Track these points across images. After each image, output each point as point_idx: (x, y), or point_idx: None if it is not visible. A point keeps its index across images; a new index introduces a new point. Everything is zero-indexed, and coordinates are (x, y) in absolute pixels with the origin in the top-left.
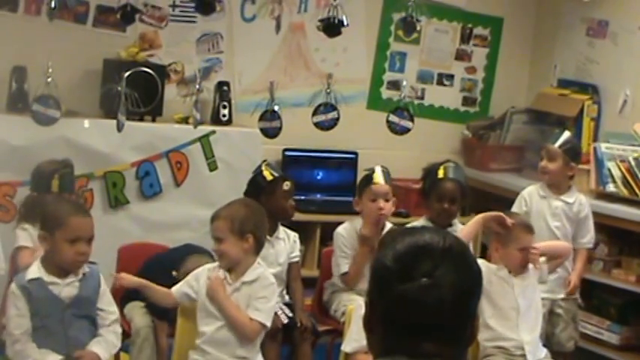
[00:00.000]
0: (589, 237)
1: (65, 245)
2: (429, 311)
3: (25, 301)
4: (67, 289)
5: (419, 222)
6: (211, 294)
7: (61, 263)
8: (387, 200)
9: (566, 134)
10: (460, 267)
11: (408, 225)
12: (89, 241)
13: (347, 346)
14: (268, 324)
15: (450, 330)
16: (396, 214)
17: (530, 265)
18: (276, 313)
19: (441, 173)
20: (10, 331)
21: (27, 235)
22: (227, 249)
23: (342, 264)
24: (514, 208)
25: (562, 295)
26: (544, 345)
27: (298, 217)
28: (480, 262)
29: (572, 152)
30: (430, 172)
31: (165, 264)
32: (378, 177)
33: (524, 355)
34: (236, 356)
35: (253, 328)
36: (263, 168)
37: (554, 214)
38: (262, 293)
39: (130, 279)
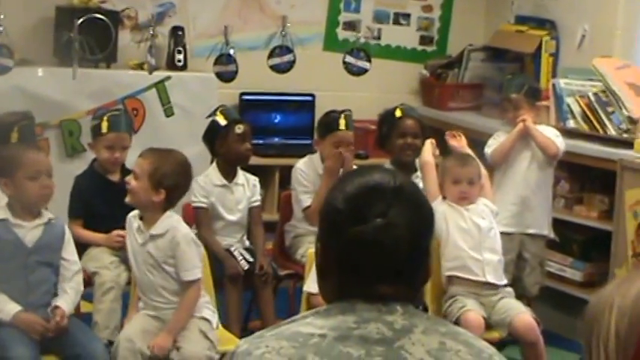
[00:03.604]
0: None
1: (28, 183)
2: (385, 252)
3: None
4: (31, 232)
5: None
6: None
7: (28, 202)
8: (348, 145)
9: (521, 78)
10: (413, 206)
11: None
12: (49, 176)
13: (309, 287)
14: (201, 274)
15: (406, 270)
16: (355, 156)
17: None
18: (236, 259)
19: (398, 113)
20: None
21: None
22: (137, 189)
23: (303, 199)
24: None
25: (532, 231)
26: (510, 285)
27: (257, 160)
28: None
29: (533, 93)
30: (386, 115)
31: None
32: (343, 124)
33: (487, 283)
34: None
35: (195, 292)
36: (217, 112)
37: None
38: (180, 249)
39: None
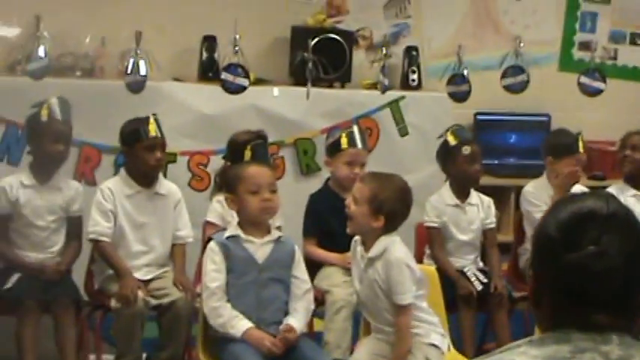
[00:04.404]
0: None
1: (249, 197)
2: (599, 280)
3: (223, 256)
4: (262, 249)
5: (614, 186)
6: None
7: (250, 216)
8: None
9: None
10: (627, 232)
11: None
12: (272, 191)
13: None
14: (412, 299)
15: (621, 299)
16: (591, 177)
17: None
18: (469, 279)
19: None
20: (206, 284)
21: (218, 211)
22: (357, 214)
23: (532, 209)
24: None
25: None
26: None
27: (492, 181)
28: None
29: None
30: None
31: None
32: (582, 146)
33: None
34: None
35: (407, 317)
36: (449, 132)
37: None
38: (393, 271)
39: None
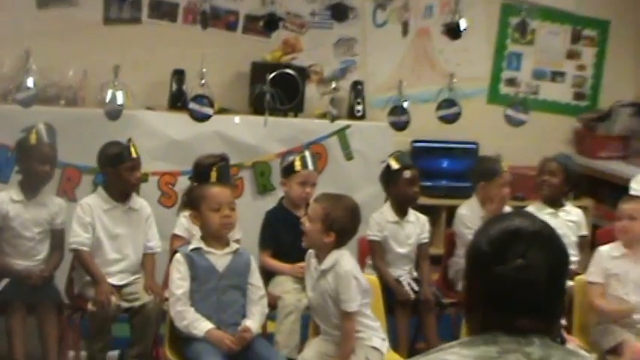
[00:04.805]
0: None
1: (211, 214)
2: (524, 290)
3: (187, 267)
4: (221, 259)
5: (533, 206)
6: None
7: (212, 231)
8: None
9: None
10: (549, 248)
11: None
12: (232, 208)
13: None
14: (357, 307)
15: (543, 306)
16: (513, 198)
17: None
18: (404, 288)
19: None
20: (172, 290)
21: (184, 225)
22: (311, 231)
23: (463, 229)
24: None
25: None
26: None
27: (426, 201)
28: None
29: None
30: (545, 161)
31: None
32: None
33: None
34: None
35: (352, 322)
36: (391, 158)
37: None
38: (342, 282)
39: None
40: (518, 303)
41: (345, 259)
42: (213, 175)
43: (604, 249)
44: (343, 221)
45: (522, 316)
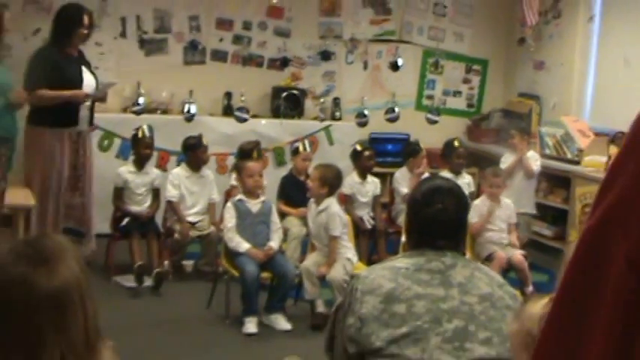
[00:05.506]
0: None
1: (247, 179)
2: (442, 223)
3: (234, 210)
4: (254, 206)
5: (444, 172)
6: None
7: (248, 189)
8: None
9: (520, 124)
10: (457, 198)
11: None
12: (260, 175)
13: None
14: (339, 233)
15: (453, 233)
16: (431, 167)
17: None
18: (365, 222)
19: (456, 143)
20: (225, 224)
21: (233, 184)
22: (313, 187)
23: (401, 191)
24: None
25: (523, 210)
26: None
27: (378, 169)
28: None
29: (526, 132)
30: (448, 144)
31: None
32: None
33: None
34: None
35: (335, 242)
36: (357, 144)
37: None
38: (331, 218)
39: None
40: (438, 231)
41: (333, 203)
42: (255, 153)
43: (477, 201)
44: (332, 179)
45: (440, 238)
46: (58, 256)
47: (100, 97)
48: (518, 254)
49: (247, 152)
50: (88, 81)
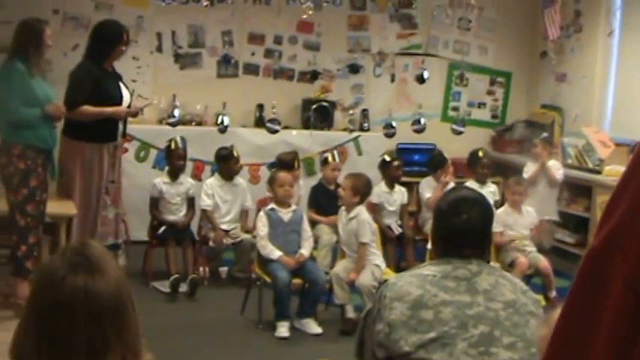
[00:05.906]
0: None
1: (278, 189)
2: (467, 233)
3: (267, 219)
4: (286, 215)
5: (469, 182)
6: None
7: (278, 199)
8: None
9: (544, 135)
10: (482, 208)
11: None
12: (290, 185)
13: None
14: (369, 240)
15: (479, 242)
16: (457, 177)
17: None
18: (393, 230)
19: (480, 153)
20: (258, 232)
21: (267, 194)
22: (344, 196)
23: (424, 193)
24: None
25: (547, 217)
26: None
27: (405, 179)
28: None
29: (549, 142)
30: (473, 154)
31: None
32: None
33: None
34: None
35: (365, 249)
36: (385, 154)
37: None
38: (361, 225)
39: None
40: (464, 240)
41: (363, 211)
42: (296, 163)
43: (499, 210)
44: (363, 188)
45: (466, 248)
46: (105, 262)
47: (134, 113)
48: (543, 260)
49: (288, 162)
50: (126, 96)
